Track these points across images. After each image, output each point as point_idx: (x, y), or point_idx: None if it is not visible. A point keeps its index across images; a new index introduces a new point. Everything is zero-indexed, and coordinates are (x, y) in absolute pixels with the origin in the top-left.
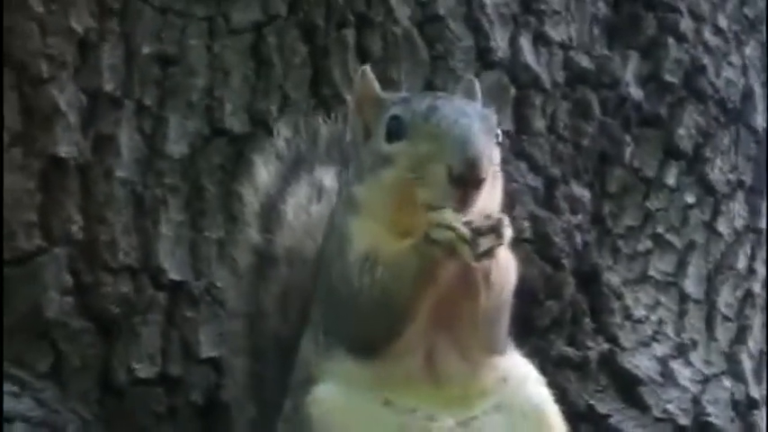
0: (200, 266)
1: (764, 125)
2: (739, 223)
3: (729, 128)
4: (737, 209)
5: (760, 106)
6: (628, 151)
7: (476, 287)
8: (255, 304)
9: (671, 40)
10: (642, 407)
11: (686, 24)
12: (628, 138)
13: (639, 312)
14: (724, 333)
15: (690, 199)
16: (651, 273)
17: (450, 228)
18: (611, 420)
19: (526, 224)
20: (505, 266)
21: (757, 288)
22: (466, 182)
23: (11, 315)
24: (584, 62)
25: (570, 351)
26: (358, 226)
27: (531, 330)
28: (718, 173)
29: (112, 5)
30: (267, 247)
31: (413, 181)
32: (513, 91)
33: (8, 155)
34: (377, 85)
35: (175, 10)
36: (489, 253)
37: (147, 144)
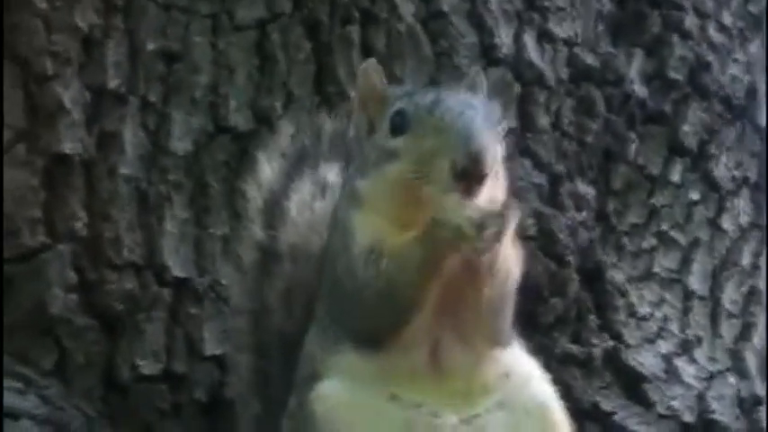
0: (205, 263)
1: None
2: (744, 220)
3: (734, 125)
4: (742, 206)
5: (764, 103)
6: (632, 148)
7: (480, 275)
8: (260, 301)
9: (676, 38)
10: (647, 404)
11: (691, 21)
12: (632, 135)
13: (644, 309)
14: (729, 330)
15: (694, 196)
16: (656, 270)
17: (455, 214)
18: (616, 417)
19: (530, 221)
20: (510, 255)
21: (762, 285)
22: (470, 176)
23: (15, 312)
24: (589, 59)
25: (575, 348)
26: (360, 220)
27: (535, 327)
28: (722, 170)
29: (117, 2)
30: (271, 244)
31: (416, 174)
32: (517, 88)
33: (12, 152)
34: (381, 80)
35: (179, 7)
36: (495, 238)
37: (151, 141)
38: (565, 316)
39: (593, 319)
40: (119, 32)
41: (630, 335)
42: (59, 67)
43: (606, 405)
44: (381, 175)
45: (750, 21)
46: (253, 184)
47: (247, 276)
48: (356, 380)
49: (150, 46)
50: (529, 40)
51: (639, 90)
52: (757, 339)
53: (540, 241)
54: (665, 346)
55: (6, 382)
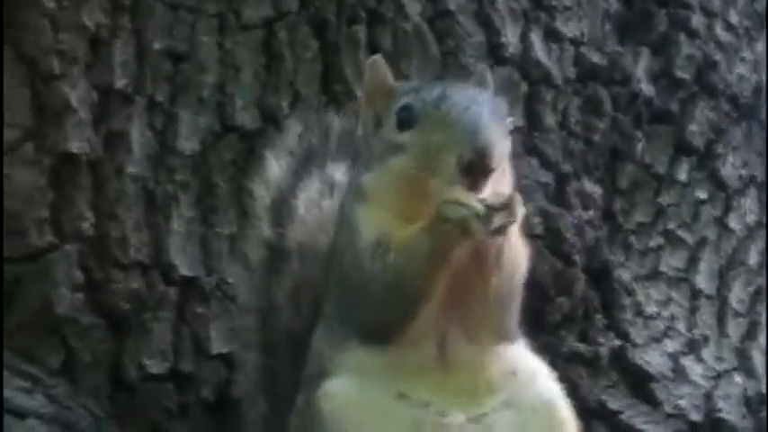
0: (212, 262)
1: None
2: (751, 219)
3: (741, 124)
4: (749, 204)
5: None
6: (639, 147)
7: (488, 267)
8: (267, 299)
9: (682, 36)
10: (654, 403)
11: (698, 20)
12: (639, 134)
13: (651, 308)
14: (735, 329)
15: (701, 195)
16: (662, 269)
17: (463, 205)
18: (623, 416)
19: (537, 220)
20: (517, 248)
21: None
22: (476, 170)
23: (22, 311)
24: (596, 58)
25: (581, 347)
26: (366, 213)
27: (542, 326)
28: (729, 169)
29: (124, 2)
30: (279, 242)
31: (422, 169)
32: (524, 87)
33: (20, 151)
34: (388, 75)
35: (186, 6)
36: (502, 230)
37: (158, 140)
38: (571, 315)
39: (599, 318)
40: (126, 32)
41: (637, 334)
42: (66, 67)
43: (613, 404)
44: (387, 169)
45: (756, 20)
46: (260, 183)
47: (255, 275)
48: (364, 377)
49: (157, 45)
50: (536, 39)
51: (646, 89)
52: (764, 338)
53: (546, 240)
54: (671, 345)
55: (13, 382)
